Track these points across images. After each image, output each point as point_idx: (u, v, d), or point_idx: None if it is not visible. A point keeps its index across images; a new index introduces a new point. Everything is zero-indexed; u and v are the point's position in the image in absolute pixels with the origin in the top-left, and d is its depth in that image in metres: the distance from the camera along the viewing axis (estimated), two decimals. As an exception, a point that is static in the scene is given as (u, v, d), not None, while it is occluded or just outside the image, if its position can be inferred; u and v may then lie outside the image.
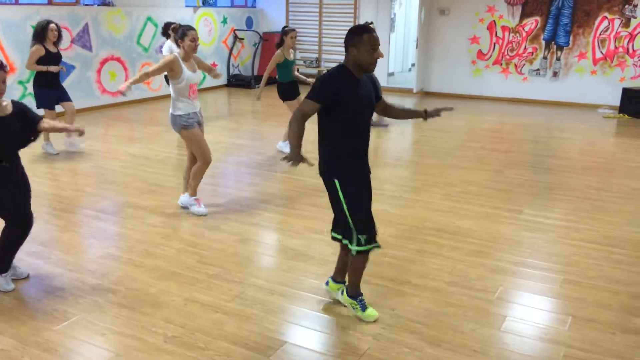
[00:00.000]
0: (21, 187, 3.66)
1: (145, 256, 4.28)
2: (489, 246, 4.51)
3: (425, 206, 5.42)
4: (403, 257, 4.28)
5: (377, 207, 5.23)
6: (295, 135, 3.13)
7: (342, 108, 3.10)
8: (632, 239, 4.68)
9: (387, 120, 8.97)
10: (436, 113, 3.54)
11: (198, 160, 5.00)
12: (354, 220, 3.22)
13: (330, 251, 3.96)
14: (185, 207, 5.19)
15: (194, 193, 5.12)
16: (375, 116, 8.67)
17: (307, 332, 3.35)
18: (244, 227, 4.88)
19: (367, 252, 3.31)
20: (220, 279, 3.91)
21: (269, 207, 5.38)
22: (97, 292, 3.72)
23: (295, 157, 3.13)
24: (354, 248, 3.29)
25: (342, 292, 3.54)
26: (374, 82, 3.38)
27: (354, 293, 3.46)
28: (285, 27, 7.15)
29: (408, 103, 11.61)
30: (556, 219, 5.12)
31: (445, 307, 3.57)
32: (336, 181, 3.19)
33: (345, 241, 3.39)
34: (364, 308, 3.43)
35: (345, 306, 3.55)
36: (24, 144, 3.63)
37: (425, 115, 3.53)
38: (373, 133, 8.66)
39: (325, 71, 3.32)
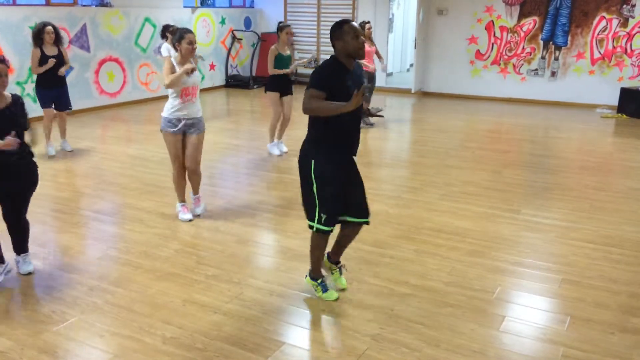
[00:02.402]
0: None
1: (143, 257, 4.27)
2: (487, 246, 4.51)
3: (424, 206, 5.42)
4: (401, 257, 4.28)
5: (376, 207, 5.26)
6: (326, 105, 3.13)
7: (333, 97, 3.21)
8: (631, 238, 4.69)
9: (372, 119, 8.99)
10: (374, 114, 3.79)
11: (172, 165, 4.95)
12: (320, 202, 3.37)
13: (328, 250, 3.96)
14: (197, 215, 5.08)
15: (182, 199, 5.05)
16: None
17: (305, 332, 3.35)
18: (243, 227, 4.88)
19: (324, 232, 3.45)
20: (219, 280, 3.91)
21: (267, 207, 5.38)
22: (96, 293, 3.72)
23: (353, 100, 3.02)
24: (314, 225, 3.44)
25: (306, 275, 3.74)
26: (360, 77, 3.47)
27: (315, 275, 3.66)
28: (280, 22, 7.12)
29: (406, 103, 11.62)
30: (554, 218, 5.12)
31: (444, 307, 3.57)
32: (312, 161, 3.33)
33: (310, 222, 3.48)
34: (325, 289, 3.64)
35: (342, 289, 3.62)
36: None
37: (367, 113, 3.75)
38: (372, 133, 8.70)
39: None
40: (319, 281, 3.66)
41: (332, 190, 3.38)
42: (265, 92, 7.13)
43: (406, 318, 3.44)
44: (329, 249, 3.77)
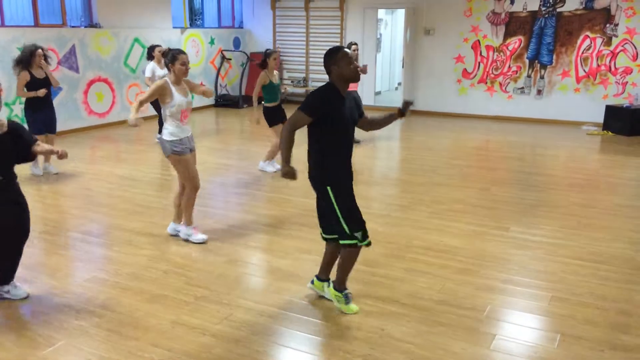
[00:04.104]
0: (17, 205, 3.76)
1: (132, 279, 4.23)
2: (477, 264, 4.52)
3: (413, 224, 5.43)
4: (392, 276, 4.28)
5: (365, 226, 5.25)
6: (286, 146, 3.42)
7: (329, 121, 3.40)
8: (618, 255, 4.72)
9: (357, 137, 9.09)
10: (406, 107, 3.84)
11: (186, 186, 4.90)
12: (348, 222, 3.50)
13: (318, 270, 3.96)
14: (174, 235, 5.05)
15: (190, 222, 4.99)
16: None
17: (296, 354, 3.33)
18: (232, 247, 4.85)
19: (360, 247, 3.59)
20: (208, 301, 3.87)
21: (257, 227, 5.36)
22: (83, 316, 3.67)
23: (288, 171, 3.43)
24: (353, 243, 3.55)
25: (328, 285, 3.83)
26: (357, 100, 3.71)
27: (341, 287, 3.74)
28: (267, 49, 7.21)
29: (395, 122, 11.64)
30: (543, 235, 5.15)
31: (435, 327, 3.56)
32: (329, 189, 3.48)
33: (342, 241, 3.59)
34: (348, 301, 3.72)
35: (329, 300, 3.84)
36: (18, 161, 3.77)
37: (399, 113, 3.86)
38: (361, 151, 8.74)
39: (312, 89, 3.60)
40: (344, 293, 3.74)
41: (353, 208, 3.54)
42: (270, 127, 7.14)
43: (397, 338, 3.42)
44: (315, 271, 3.90)
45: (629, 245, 4.93)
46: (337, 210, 3.49)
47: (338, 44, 12.84)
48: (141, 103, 4.60)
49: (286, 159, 3.43)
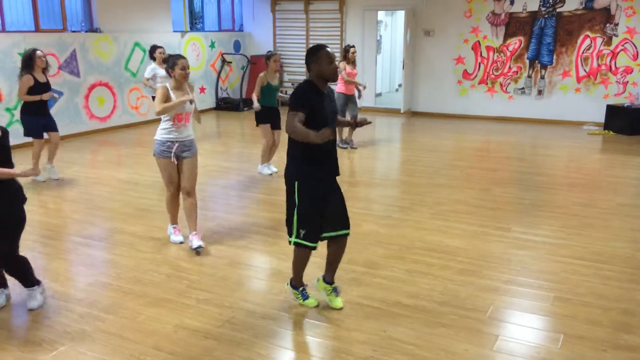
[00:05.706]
0: None
1: (134, 282, 4.24)
2: (478, 265, 4.52)
3: (415, 226, 5.43)
4: (393, 278, 4.28)
5: (367, 228, 5.27)
6: (303, 130, 3.32)
7: (311, 117, 3.41)
8: (620, 254, 4.71)
9: (355, 143, 9.09)
10: (360, 125, 3.89)
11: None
12: (300, 219, 3.54)
13: (320, 273, 3.96)
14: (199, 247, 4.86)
15: (173, 221, 5.03)
16: (346, 134, 8.82)
17: (298, 356, 3.33)
18: (234, 250, 4.86)
19: (304, 246, 3.60)
20: (211, 304, 3.88)
21: (258, 229, 5.37)
22: (86, 320, 3.67)
23: (323, 132, 3.24)
24: (293, 239, 3.61)
25: (287, 283, 3.91)
26: (331, 98, 3.72)
27: (296, 284, 3.85)
28: (268, 51, 7.23)
29: (395, 123, 11.71)
30: (544, 236, 5.15)
31: (437, 328, 3.56)
32: (296, 183, 3.51)
33: (289, 238, 3.65)
34: (305, 297, 3.83)
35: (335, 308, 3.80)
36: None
37: (354, 124, 3.93)
38: (361, 153, 8.73)
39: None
40: (300, 289, 3.83)
41: (314, 209, 3.54)
42: (257, 125, 7.18)
43: (399, 339, 3.42)
44: (319, 293, 3.92)
45: (631, 245, 4.93)
46: (297, 205, 3.51)
47: (338, 46, 12.86)
48: (165, 110, 4.55)
49: (310, 135, 3.27)
